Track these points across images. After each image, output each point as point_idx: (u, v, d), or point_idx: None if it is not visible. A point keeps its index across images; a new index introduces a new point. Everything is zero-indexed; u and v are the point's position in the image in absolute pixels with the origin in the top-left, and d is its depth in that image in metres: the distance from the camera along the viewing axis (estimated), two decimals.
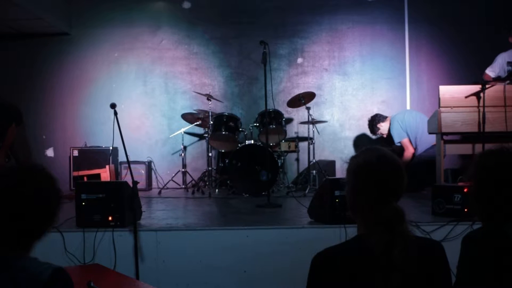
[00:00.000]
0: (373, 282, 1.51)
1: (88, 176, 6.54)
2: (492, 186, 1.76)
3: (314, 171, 6.41)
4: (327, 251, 1.61)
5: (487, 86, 4.84)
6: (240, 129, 6.38)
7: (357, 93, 7.42)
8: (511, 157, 1.80)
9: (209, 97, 6.44)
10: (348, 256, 1.58)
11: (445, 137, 5.19)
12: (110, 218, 3.76)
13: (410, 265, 1.51)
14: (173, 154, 7.33)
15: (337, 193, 3.85)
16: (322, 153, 7.28)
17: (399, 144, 6.41)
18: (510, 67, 5.83)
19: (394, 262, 1.50)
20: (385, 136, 6.74)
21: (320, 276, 1.58)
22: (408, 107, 7.34)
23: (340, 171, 6.98)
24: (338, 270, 1.55)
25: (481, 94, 4.85)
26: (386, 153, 1.69)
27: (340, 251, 1.61)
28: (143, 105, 7.39)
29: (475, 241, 1.81)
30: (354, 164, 1.71)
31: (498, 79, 5.61)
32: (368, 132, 7.22)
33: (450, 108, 5.05)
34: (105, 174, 6.43)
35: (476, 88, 4.96)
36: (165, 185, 6.84)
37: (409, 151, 6.33)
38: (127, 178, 5.59)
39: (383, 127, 6.67)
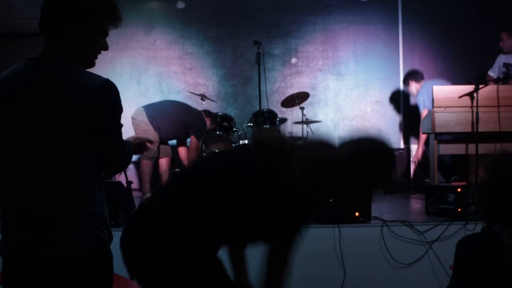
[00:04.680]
0: None
1: None
2: (502, 194, 1.73)
3: None
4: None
5: (480, 86, 4.86)
6: (234, 129, 6.38)
7: (351, 93, 7.43)
8: None
9: (203, 97, 6.44)
10: None
11: (439, 137, 5.22)
12: None
13: None
14: None
15: None
16: None
17: (421, 110, 6.16)
18: (504, 69, 5.91)
19: None
20: (409, 94, 6.63)
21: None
22: (401, 107, 7.36)
23: None
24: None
25: (475, 94, 4.87)
26: None
27: None
28: (137, 105, 7.29)
29: (470, 246, 1.80)
30: None
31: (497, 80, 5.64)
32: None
33: (443, 108, 5.06)
34: None
35: (469, 88, 4.97)
36: (159, 185, 6.81)
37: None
38: (121, 178, 5.58)
39: (413, 87, 6.45)
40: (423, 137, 5.98)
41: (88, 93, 1.66)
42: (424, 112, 6.03)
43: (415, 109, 6.96)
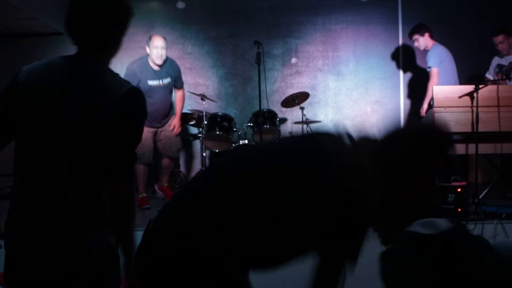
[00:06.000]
0: None
1: None
2: None
3: None
4: None
5: (480, 86, 4.86)
6: (234, 129, 6.37)
7: (351, 93, 7.43)
8: None
9: (203, 97, 6.43)
10: None
11: None
12: None
13: None
14: None
15: None
16: None
17: (428, 70, 5.99)
18: (497, 69, 5.97)
19: None
20: (416, 46, 6.32)
21: None
22: (401, 107, 7.36)
23: None
24: None
25: (475, 94, 4.87)
26: None
27: None
28: None
29: (395, 255, 1.61)
30: None
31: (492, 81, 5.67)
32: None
33: (443, 108, 5.07)
34: None
35: (469, 88, 4.98)
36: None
37: (432, 82, 5.86)
38: None
39: (420, 41, 6.20)
40: (429, 95, 5.91)
41: (115, 99, 1.72)
42: (435, 72, 5.90)
43: (415, 108, 6.97)
